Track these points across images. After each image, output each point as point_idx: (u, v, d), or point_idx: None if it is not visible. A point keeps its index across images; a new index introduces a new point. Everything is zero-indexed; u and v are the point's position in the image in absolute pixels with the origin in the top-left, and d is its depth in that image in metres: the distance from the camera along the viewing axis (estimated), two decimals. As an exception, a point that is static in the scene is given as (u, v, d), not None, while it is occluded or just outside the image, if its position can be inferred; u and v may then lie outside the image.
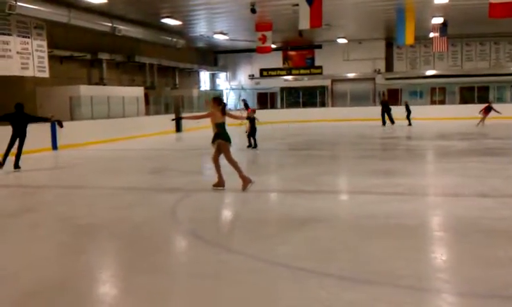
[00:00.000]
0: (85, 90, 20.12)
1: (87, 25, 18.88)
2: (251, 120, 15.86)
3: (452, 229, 6.19)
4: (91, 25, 19.06)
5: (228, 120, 9.08)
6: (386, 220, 6.46)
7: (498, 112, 22.67)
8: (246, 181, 8.69)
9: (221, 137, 8.71)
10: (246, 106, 28.74)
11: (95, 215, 7.39)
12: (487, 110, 22.94)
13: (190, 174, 11.49)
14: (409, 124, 24.99)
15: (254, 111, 16.72)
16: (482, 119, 22.81)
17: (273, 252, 5.31)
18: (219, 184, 8.84)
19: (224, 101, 9.31)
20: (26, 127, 12.20)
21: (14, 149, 12.18)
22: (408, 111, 25.35)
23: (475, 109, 28.52)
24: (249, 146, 15.94)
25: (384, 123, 25.61)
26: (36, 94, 19.24)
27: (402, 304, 3.94)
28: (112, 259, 5.55)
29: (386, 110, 25.74)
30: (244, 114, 16.82)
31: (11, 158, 12.19)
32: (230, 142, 8.75)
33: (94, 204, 8.22)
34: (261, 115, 27.62)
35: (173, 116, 25.59)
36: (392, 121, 25.51)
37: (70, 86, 20.00)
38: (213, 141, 8.82)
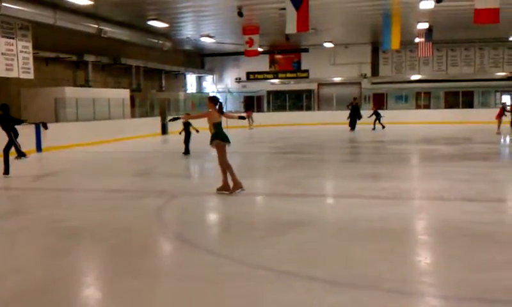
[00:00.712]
0: (70, 92, 19.95)
1: (73, 27, 18.69)
2: (186, 126, 15.36)
3: (437, 233, 6.24)
4: (77, 26, 18.88)
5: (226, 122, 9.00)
6: (372, 224, 6.49)
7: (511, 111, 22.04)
8: (237, 186, 8.64)
9: (218, 137, 8.59)
10: (247, 107, 29.35)
11: (81, 218, 7.32)
12: (501, 113, 21.61)
13: (176, 177, 11.46)
14: (376, 127, 25.11)
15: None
16: (499, 125, 21.42)
17: (258, 256, 5.32)
18: (224, 188, 8.73)
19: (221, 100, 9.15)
20: (15, 128, 12.02)
21: (0, 151, 11.99)
22: (377, 116, 25.32)
23: (460, 113, 28.93)
24: (185, 152, 15.47)
25: (353, 128, 25.44)
26: (21, 96, 19.04)
27: (386, 308, 3.96)
28: (97, 262, 5.51)
29: (355, 115, 25.66)
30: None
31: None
32: (228, 142, 8.63)
33: (79, 207, 8.15)
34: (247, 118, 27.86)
35: (159, 118, 25.54)
36: (353, 127, 25.41)
37: (55, 88, 19.82)
38: (211, 142, 8.69)
